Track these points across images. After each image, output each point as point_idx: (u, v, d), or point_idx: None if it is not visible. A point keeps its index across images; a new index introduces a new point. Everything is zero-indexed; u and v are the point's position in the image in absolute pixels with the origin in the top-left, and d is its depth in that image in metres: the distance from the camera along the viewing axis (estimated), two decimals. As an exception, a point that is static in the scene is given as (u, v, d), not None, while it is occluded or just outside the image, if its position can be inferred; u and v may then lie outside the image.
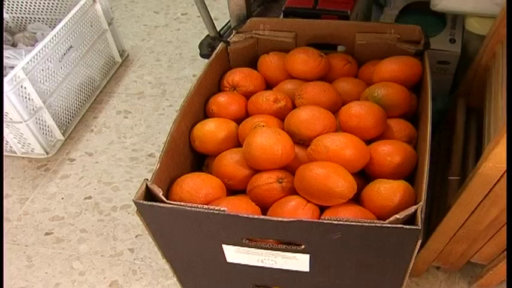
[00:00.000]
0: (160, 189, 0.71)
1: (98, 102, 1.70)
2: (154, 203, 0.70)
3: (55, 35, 1.47)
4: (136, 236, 1.28)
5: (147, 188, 0.72)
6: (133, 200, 0.71)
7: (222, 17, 1.99)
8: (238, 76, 1.03)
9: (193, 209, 0.69)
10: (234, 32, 1.06)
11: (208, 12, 1.47)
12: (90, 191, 1.41)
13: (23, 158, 1.51)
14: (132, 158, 1.49)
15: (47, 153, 1.49)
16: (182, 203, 0.69)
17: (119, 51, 1.83)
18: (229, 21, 1.72)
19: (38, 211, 1.36)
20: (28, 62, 1.35)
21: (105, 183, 1.42)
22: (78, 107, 1.63)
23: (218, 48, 1.02)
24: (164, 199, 0.70)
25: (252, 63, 1.09)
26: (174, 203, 0.70)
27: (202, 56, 1.63)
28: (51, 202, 1.38)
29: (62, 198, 1.39)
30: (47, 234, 1.31)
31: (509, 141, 0.65)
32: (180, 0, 2.24)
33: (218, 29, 1.57)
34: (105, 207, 1.36)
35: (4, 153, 1.51)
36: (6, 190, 1.42)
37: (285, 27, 1.06)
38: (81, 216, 1.34)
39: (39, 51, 1.40)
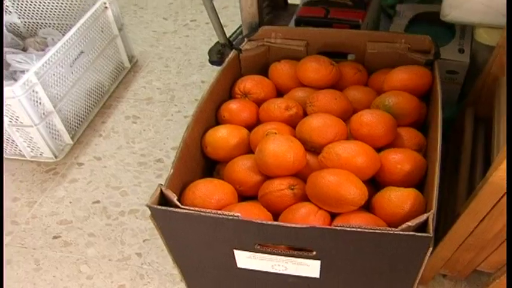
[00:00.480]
0: (174, 194, 0.72)
1: (106, 107, 1.71)
2: (168, 208, 0.71)
3: (67, 41, 1.48)
4: (144, 241, 1.28)
5: (161, 193, 0.73)
6: (147, 205, 0.71)
7: (230, 24, 2.00)
8: (249, 83, 1.04)
9: (207, 214, 0.69)
10: (245, 39, 1.07)
11: (218, 19, 1.48)
12: (98, 195, 1.41)
13: (31, 161, 1.52)
14: (141, 163, 1.50)
15: (56, 157, 1.50)
16: (196, 208, 0.70)
17: (128, 57, 1.84)
18: (238, 28, 1.74)
19: (46, 215, 1.37)
20: (40, 67, 1.37)
21: (113, 188, 1.43)
22: (87, 112, 1.64)
23: (230, 55, 1.04)
24: (179, 204, 0.71)
25: (263, 71, 1.10)
26: (189, 208, 0.70)
27: (212, 62, 1.64)
28: (59, 206, 1.39)
29: (70, 202, 1.40)
30: (55, 237, 1.31)
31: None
32: (189, 7, 2.26)
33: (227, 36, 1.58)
34: (113, 212, 1.36)
35: (13, 157, 1.52)
36: (14, 193, 1.43)
37: (296, 36, 1.07)
38: (89, 220, 1.35)
39: (51, 56, 1.42)
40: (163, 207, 0.71)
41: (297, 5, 1.66)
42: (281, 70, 1.07)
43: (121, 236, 1.30)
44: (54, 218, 1.36)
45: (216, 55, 1.59)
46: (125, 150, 1.55)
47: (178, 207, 0.71)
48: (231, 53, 1.04)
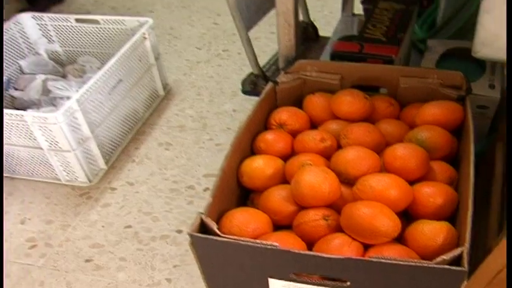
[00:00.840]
0: (214, 223, 0.74)
1: (140, 134, 1.75)
2: (209, 236, 0.73)
3: (108, 69, 1.54)
4: (174, 267, 1.30)
5: (202, 221, 0.75)
6: (188, 233, 0.73)
7: (262, 55, 2.03)
8: (285, 115, 1.06)
9: (246, 243, 0.71)
10: (282, 72, 1.10)
11: (253, 50, 1.51)
12: (130, 220, 1.44)
13: (66, 185, 1.56)
14: (172, 190, 1.53)
15: (90, 181, 1.54)
16: (235, 237, 0.72)
17: (163, 85, 1.90)
18: (270, 59, 1.77)
19: (79, 238, 1.40)
20: (82, 95, 1.42)
21: (145, 213, 1.46)
22: (122, 138, 1.68)
23: (267, 87, 1.06)
24: (219, 233, 0.73)
25: (298, 103, 1.13)
26: (229, 236, 0.73)
27: (245, 92, 1.67)
28: (92, 230, 1.42)
29: (103, 226, 1.43)
30: (87, 261, 1.34)
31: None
32: (222, 38, 2.31)
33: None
34: (144, 237, 1.39)
35: (49, 180, 1.56)
36: (49, 216, 1.47)
37: (331, 70, 1.10)
38: (120, 245, 1.37)
39: (92, 84, 1.47)
40: (204, 235, 0.73)
41: (328, 37, 1.69)
42: (315, 102, 1.10)
43: (151, 261, 1.32)
44: (86, 241, 1.39)
45: (249, 85, 1.63)
46: (157, 177, 1.58)
47: (218, 235, 0.73)
48: (268, 85, 1.07)
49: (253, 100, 1.76)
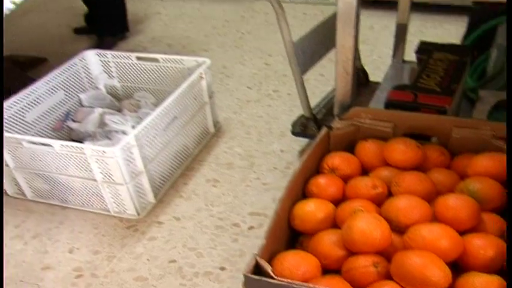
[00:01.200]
0: (269, 265, 0.75)
1: (189, 169, 1.78)
2: (263, 278, 0.74)
3: (165, 107, 1.59)
4: (216, 304, 1.31)
5: (256, 263, 0.77)
6: (244, 274, 0.75)
7: (311, 96, 2.03)
8: (337, 160, 1.08)
9: (300, 287, 0.72)
10: (336, 118, 1.12)
11: (306, 93, 1.54)
12: (174, 255, 1.45)
13: (115, 217, 1.59)
14: (218, 227, 1.54)
15: (138, 214, 1.57)
16: (289, 280, 0.73)
17: (214, 122, 1.94)
18: (320, 102, 1.80)
19: (124, 270, 1.42)
20: (139, 131, 1.47)
21: (190, 249, 1.47)
22: (171, 173, 1.72)
23: (321, 132, 1.09)
24: (273, 275, 0.74)
25: (350, 148, 1.15)
26: (283, 279, 0.74)
27: (294, 133, 1.70)
28: (137, 262, 1.44)
29: (148, 260, 1.45)
30: (131, 293, 1.35)
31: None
32: (272, 78, 2.35)
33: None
34: (188, 272, 1.40)
35: (98, 211, 1.59)
36: (96, 247, 1.49)
37: (385, 118, 1.12)
38: (164, 279, 1.38)
39: (150, 121, 1.52)
40: (258, 277, 0.74)
41: (378, 83, 1.71)
42: (368, 149, 1.12)
43: (194, 297, 1.33)
44: (131, 273, 1.40)
45: (300, 127, 1.65)
46: (204, 213, 1.59)
47: (273, 278, 0.74)
48: (322, 130, 1.09)
49: (301, 141, 1.80)
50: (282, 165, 1.76)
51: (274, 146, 1.87)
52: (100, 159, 1.42)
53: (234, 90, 2.27)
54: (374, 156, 1.11)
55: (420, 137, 1.14)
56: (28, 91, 1.74)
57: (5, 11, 1.49)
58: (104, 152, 1.39)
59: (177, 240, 1.50)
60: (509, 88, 0.79)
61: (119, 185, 1.47)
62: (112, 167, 1.42)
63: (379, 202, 0.98)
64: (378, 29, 2.73)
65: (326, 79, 2.23)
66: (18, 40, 2.71)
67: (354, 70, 1.16)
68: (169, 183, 1.70)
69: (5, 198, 1.69)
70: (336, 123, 1.11)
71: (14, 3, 1.50)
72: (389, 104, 1.14)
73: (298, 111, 1.96)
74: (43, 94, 1.80)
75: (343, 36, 1.13)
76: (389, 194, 1.02)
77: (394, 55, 1.85)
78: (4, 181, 1.66)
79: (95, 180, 1.49)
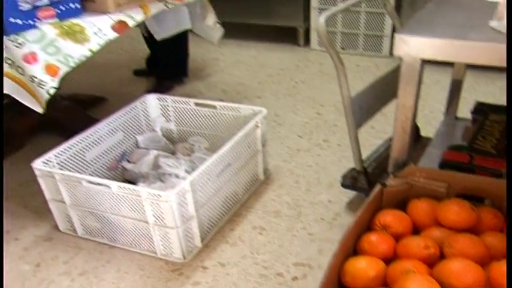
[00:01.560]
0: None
1: (236, 216, 1.79)
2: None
3: (221, 154, 1.62)
4: None
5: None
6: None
7: (361, 149, 2.06)
8: (389, 218, 1.08)
9: None
10: (391, 175, 1.12)
11: (359, 148, 1.55)
12: (217, 301, 1.46)
13: (161, 259, 1.60)
14: (262, 275, 1.53)
15: (184, 258, 1.58)
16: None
17: (264, 170, 1.96)
18: (371, 156, 1.80)
19: (168, 312, 1.43)
20: (194, 177, 1.50)
21: (233, 296, 1.47)
22: (219, 218, 1.73)
23: (375, 189, 1.09)
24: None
25: (403, 206, 1.14)
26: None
27: (344, 186, 1.70)
28: (181, 305, 1.45)
29: (190, 304, 1.45)
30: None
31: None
32: (323, 127, 2.37)
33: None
34: (230, 319, 1.39)
35: (146, 252, 1.61)
36: None
37: (439, 178, 1.11)
38: (207, 324, 1.38)
39: (206, 167, 1.55)
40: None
41: (429, 138, 1.70)
42: (420, 208, 1.11)
43: None
44: (175, 316, 1.41)
45: (350, 180, 1.65)
46: (249, 260, 1.59)
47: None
48: (376, 186, 1.10)
49: (349, 193, 1.79)
50: (329, 216, 1.75)
51: (322, 196, 1.87)
52: (154, 202, 1.45)
53: (285, 138, 2.30)
54: (426, 215, 1.10)
55: (473, 198, 1.13)
56: (90, 132, 1.81)
57: (81, 57, 1.55)
58: (159, 195, 1.42)
59: (220, 286, 1.50)
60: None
61: (170, 229, 1.49)
62: (165, 210, 1.45)
63: (430, 263, 0.97)
64: (430, 83, 2.73)
65: (376, 131, 2.23)
66: (80, 79, 2.83)
67: (411, 129, 1.16)
68: (217, 228, 1.71)
69: (56, 233, 1.73)
70: (390, 181, 1.11)
71: (91, 51, 1.57)
72: (445, 164, 1.14)
73: (347, 162, 1.97)
74: (104, 135, 1.86)
75: (405, 96, 1.14)
76: (441, 255, 1.01)
77: (447, 111, 1.84)
78: (57, 217, 1.70)
79: (146, 222, 1.52)
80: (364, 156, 1.75)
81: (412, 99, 1.13)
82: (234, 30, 2.91)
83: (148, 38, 2.60)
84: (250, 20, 3.49)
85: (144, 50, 2.86)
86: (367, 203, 1.05)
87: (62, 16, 1.56)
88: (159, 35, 2.30)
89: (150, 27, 2.17)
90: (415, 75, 1.11)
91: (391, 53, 3.19)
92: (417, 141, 1.83)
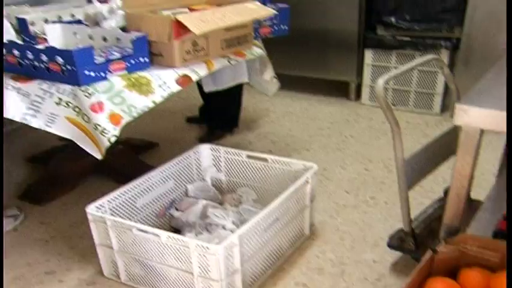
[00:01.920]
0: None
1: (279, 270, 1.78)
2: None
3: (271, 209, 1.63)
4: None
5: None
6: None
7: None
8: (440, 286, 1.07)
9: None
10: (442, 242, 1.11)
11: (409, 209, 1.54)
12: None
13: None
14: (304, 334, 1.52)
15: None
16: None
17: (309, 225, 1.95)
18: (418, 216, 1.78)
19: None
20: (244, 231, 1.51)
21: None
22: (262, 272, 1.72)
23: (426, 255, 1.08)
24: None
25: (453, 273, 1.12)
26: None
27: (390, 246, 1.68)
28: None
29: None
30: None
31: None
32: (370, 184, 2.36)
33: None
34: None
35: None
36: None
37: (493, 247, 1.10)
38: None
39: (255, 222, 1.56)
40: None
41: (480, 201, 1.67)
42: (473, 278, 1.09)
43: None
44: None
45: (397, 240, 1.64)
46: (290, 317, 1.58)
47: None
48: (427, 253, 1.09)
49: (395, 253, 1.76)
50: (373, 277, 1.73)
51: (367, 255, 1.85)
52: (202, 254, 1.46)
53: (332, 194, 2.29)
54: (478, 285, 1.08)
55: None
56: (143, 179, 1.85)
57: (144, 108, 1.61)
58: (208, 248, 1.44)
59: None
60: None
61: (214, 281, 1.49)
62: (212, 263, 1.45)
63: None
64: (482, 144, 2.68)
65: (425, 191, 2.20)
66: (135, 124, 2.92)
67: (466, 197, 1.16)
68: (259, 282, 1.70)
69: (100, 278, 1.76)
70: (442, 248, 1.10)
71: (154, 102, 1.63)
72: (499, 234, 1.12)
73: (394, 220, 1.95)
74: (156, 183, 1.91)
75: (462, 165, 1.15)
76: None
77: (500, 174, 1.81)
78: (103, 261, 1.73)
79: (191, 273, 1.52)
80: (412, 215, 1.74)
81: (469, 168, 1.13)
82: (286, 82, 2.95)
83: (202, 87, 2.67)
84: (305, 72, 3.53)
85: (199, 98, 2.93)
86: (417, 269, 1.04)
87: (131, 69, 1.63)
88: (209, 87, 2.36)
89: (202, 78, 2.22)
90: (474, 144, 1.11)
91: (441, 111, 3.18)
92: (468, 204, 1.80)
